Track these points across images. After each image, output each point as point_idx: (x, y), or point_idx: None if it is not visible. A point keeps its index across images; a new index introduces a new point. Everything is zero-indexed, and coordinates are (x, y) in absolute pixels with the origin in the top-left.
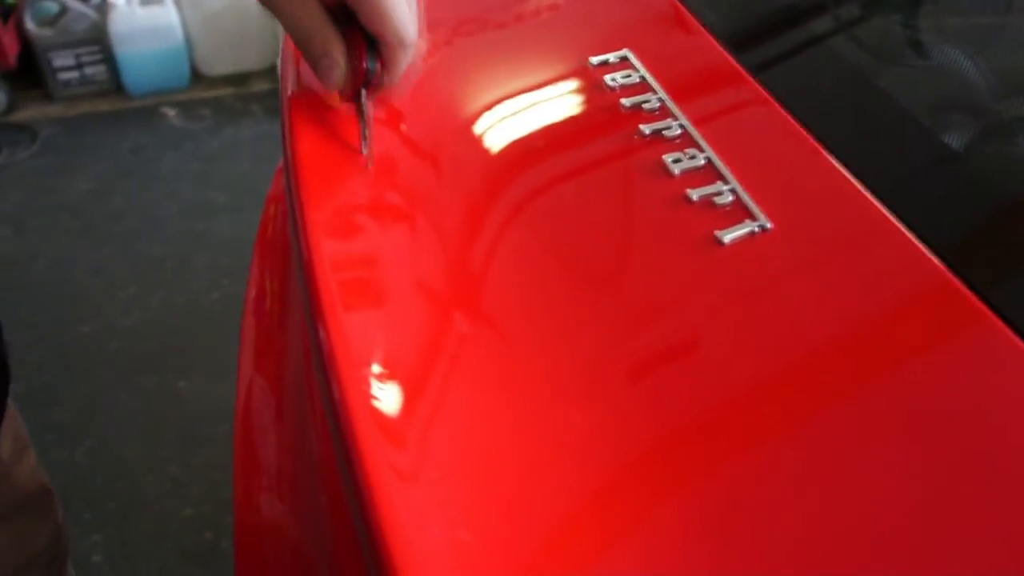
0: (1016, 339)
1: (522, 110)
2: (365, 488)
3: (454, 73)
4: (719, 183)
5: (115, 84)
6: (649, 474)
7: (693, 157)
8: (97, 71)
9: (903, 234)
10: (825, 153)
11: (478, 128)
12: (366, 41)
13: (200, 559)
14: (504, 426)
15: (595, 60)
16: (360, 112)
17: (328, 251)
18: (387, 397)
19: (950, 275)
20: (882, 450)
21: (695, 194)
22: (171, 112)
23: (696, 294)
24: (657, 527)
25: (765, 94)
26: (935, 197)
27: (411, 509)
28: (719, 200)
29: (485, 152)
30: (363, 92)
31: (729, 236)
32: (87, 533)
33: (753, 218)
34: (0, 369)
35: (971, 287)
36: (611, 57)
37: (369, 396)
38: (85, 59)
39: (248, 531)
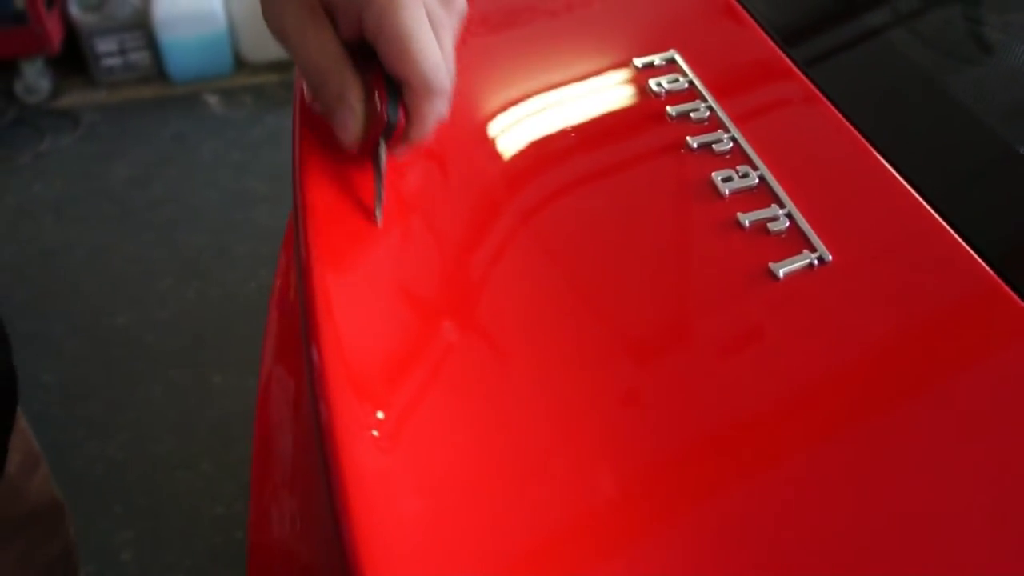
0: None
1: (558, 118)
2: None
3: (482, 74)
4: (774, 206)
5: (158, 70)
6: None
7: (745, 175)
8: (140, 57)
9: (985, 271)
10: (894, 172)
11: (506, 138)
12: (389, 85)
13: (230, 560)
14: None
15: (640, 62)
16: (376, 166)
17: (333, 251)
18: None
19: None
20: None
21: (747, 219)
22: (213, 99)
23: (744, 336)
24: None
25: (827, 103)
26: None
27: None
28: (773, 226)
29: (513, 165)
30: (381, 144)
31: (784, 269)
32: (118, 529)
33: (812, 248)
34: (8, 386)
35: None
36: (657, 59)
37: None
38: (129, 45)
39: (262, 525)
